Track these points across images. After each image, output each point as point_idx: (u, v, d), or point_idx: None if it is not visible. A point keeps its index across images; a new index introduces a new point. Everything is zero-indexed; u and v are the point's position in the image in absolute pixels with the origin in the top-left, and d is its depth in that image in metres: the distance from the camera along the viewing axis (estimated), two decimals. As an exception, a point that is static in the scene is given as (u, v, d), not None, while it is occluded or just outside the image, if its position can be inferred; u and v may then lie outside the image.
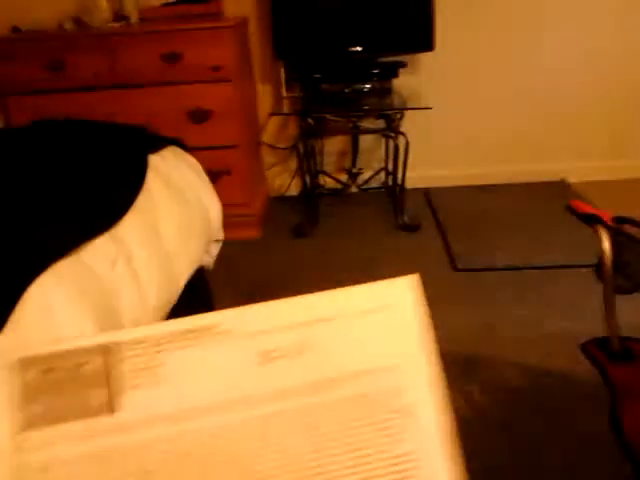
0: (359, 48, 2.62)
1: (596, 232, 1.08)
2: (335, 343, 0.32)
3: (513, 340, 1.84)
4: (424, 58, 2.86)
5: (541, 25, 2.86)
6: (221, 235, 1.88)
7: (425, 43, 2.62)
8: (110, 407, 0.31)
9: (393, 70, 2.69)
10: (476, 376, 1.68)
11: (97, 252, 1.10)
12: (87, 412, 0.31)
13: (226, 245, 2.01)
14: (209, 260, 1.83)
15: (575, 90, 2.95)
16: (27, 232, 1.03)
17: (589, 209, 1.07)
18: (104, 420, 0.31)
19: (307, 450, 0.30)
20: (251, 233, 2.64)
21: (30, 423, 0.31)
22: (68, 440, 0.30)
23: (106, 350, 0.32)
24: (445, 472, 0.31)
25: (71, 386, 0.31)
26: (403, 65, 2.69)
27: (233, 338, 0.32)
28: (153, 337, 0.32)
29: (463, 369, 1.71)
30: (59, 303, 0.91)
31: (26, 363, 0.31)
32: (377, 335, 0.33)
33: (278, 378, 0.31)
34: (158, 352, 0.32)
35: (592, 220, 1.09)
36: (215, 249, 1.88)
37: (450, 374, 1.42)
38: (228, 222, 1.90)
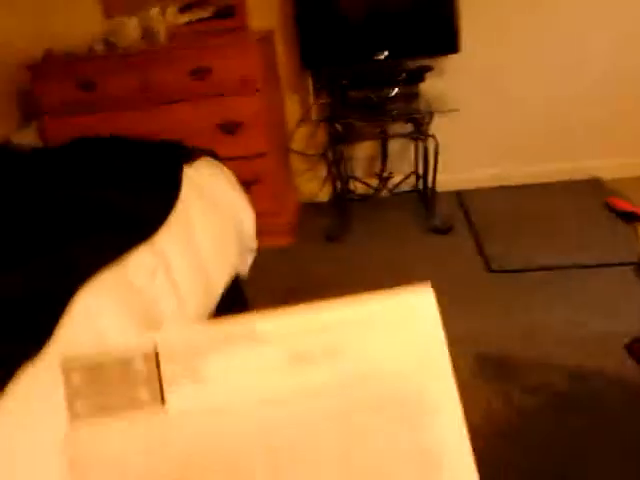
0: (385, 54, 2.63)
1: (635, 229, 1.06)
2: (363, 347, 0.35)
3: (553, 342, 1.81)
4: (450, 60, 2.85)
5: (568, 23, 2.83)
6: (255, 244, 1.90)
7: (450, 45, 2.62)
8: (158, 400, 0.33)
9: (419, 74, 2.69)
10: (516, 378, 1.66)
11: (137, 263, 1.13)
12: (136, 405, 0.33)
13: (259, 253, 2.03)
14: (244, 269, 1.86)
15: (606, 86, 2.90)
16: (71, 244, 1.06)
17: (628, 206, 1.05)
18: (153, 413, 0.33)
19: (338, 445, 0.33)
20: (284, 240, 2.66)
21: (80, 418, 0.33)
22: (118, 433, 0.32)
23: (149, 351, 0.34)
24: (466, 465, 0.34)
25: (118, 383, 0.33)
26: (429, 69, 2.69)
27: (268, 340, 0.34)
28: (194, 340, 0.34)
29: (502, 371, 1.69)
30: (103, 312, 0.94)
31: (72, 361, 0.33)
32: (401, 341, 0.35)
33: (311, 378, 0.34)
34: (199, 355, 0.34)
35: (631, 217, 1.07)
36: (249, 258, 1.90)
37: (489, 376, 1.41)
38: (260, 230, 1.92)
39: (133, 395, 0.33)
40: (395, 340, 0.35)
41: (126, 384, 0.33)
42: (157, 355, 0.34)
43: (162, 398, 0.33)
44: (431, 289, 0.37)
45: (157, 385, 0.33)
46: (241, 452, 0.33)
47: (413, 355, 0.35)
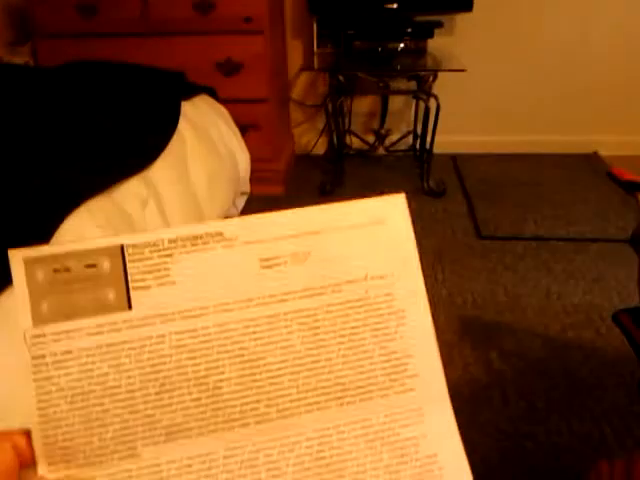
0: (395, 5, 2.55)
1: (637, 199, 1.05)
2: (333, 253, 0.35)
3: (536, 310, 1.82)
4: (460, 19, 2.78)
5: (584, -9, 2.77)
6: (248, 188, 1.87)
7: (464, 3, 2.55)
8: (125, 303, 0.33)
9: (429, 30, 2.62)
10: (497, 343, 1.68)
11: (129, 192, 1.10)
12: (103, 308, 0.33)
13: (249, 200, 2.00)
14: (235, 212, 1.83)
15: (612, 61, 2.86)
16: (63, 169, 1.03)
17: (632, 176, 1.04)
18: (120, 315, 0.33)
19: (308, 347, 0.34)
20: (275, 189, 2.63)
21: (44, 318, 0.32)
22: (83, 334, 0.32)
23: (116, 251, 0.33)
24: (432, 365, 0.35)
25: (84, 284, 0.33)
26: (439, 25, 2.62)
27: (237, 245, 0.34)
28: (161, 241, 0.34)
29: (484, 336, 1.71)
30: (92, 235, 0.91)
31: (35, 261, 0.32)
32: (371, 246, 0.36)
33: (280, 282, 0.34)
34: (167, 255, 0.33)
35: (634, 187, 1.06)
36: (241, 201, 1.87)
37: (471, 340, 1.43)
38: (253, 177, 1.89)
39: (99, 297, 0.33)
40: (365, 245, 0.36)
41: (92, 285, 0.33)
42: (124, 256, 0.33)
43: (129, 300, 0.33)
44: (404, 196, 0.37)
45: (123, 287, 0.33)
46: (209, 353, 0.33)
47: (383, 260, 0.36)
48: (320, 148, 3.07)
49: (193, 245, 0.34)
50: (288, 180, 2.77)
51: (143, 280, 0.33)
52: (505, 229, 2.30)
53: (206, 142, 1.51)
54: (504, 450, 1.32)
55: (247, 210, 1.94)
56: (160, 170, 1.23)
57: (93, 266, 0.33)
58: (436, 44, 2.71)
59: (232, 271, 0.34)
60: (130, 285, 0.33)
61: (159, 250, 0.33)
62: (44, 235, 0.84)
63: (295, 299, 0.34)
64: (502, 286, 1.95)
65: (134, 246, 0.33)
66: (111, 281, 0.33)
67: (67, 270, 0.32)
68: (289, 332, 0.34)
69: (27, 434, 0.31)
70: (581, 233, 2.25)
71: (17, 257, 0.32)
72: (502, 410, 1.44)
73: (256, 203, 2.32)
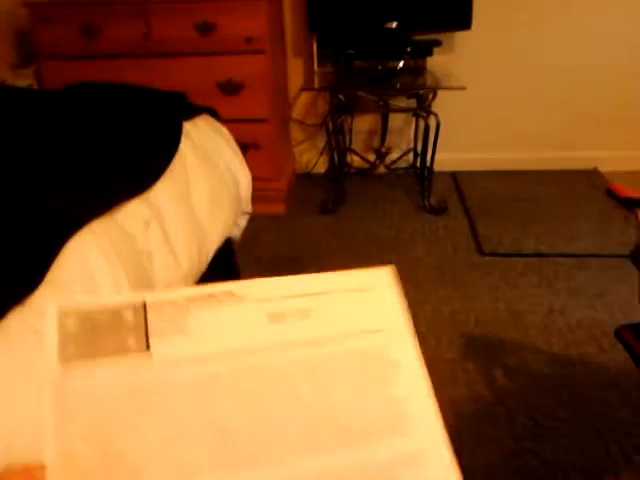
0: (394, 24, 2.58)
1: (636, 216, 1.06)
2: (332, 310, 0.39)
3: (539, 327, 1.82)
4: (459, 37, 2.81)
5: (581, 7, 2.79)
6: (249, 207, 1.87)
7: (463, 21, 2.57)
8: (144, 347, 0.36)
9: (428, 48, 2.65)
10: (501, 360, 1.67)
11: (131, 214, 1.11)
12: (124, 352, 0.35)
13: (252, 219, 2.01)
14: (237, 232, 1.83)
15: (612, 78, 2.89)
16: (65, 191, 1.03)
17: (631, 193, 1.05)
18: (139, 360, 0.35)
19: (311, 392, 0.36)
20: (277, 208, 2.63)
21: (69, 359, 0.35)
22: (106, 376, 0.34)
23: (139, 305, 0.37)
24: (428, 409, 0.37)
25: (108, 331, 0.36)
26: (438, 43, 2.65)
27: (247, 302, 0.38)
28: (180, 298, 0.38)
29: (487, 353, 1.70)
30: (95, 259, 0.91)
31: (67, 310, 0.36)
32: (364, 306, 0.40)
33: (286, 334, 0.38)
34: (184, 311, 0.37)
35: (633, 203, 1.07)
36: (243, 221, 1.88)
37: (474, 357, 1.42)
38: (254, 196, 1.89)
39: (121, 342, 0.36)
40: (359, 305, 0.40)
41: (115, 332, 0.36)
42: (145, 307, 0.37)
43: (147, 346, 0.36)
44: (390, 269, 0.42)
45: (143, 334, 0.36)
46: (221, 396, 0.35)
47: (375, 317, 0.40)
48: (321, 167, 3.09)
49: (207, 302, 0.38)
50: (289, 199, 2.77)
51: (161, 328, 0.36)
52: (506, 246, 2.30)
53: (207, 162, 1.52)
54: (509, 467, 1.31)
55: (249, 229, 1.94)
56: (162, 191, 1.24)
57: (118, 316, 0.36)
58: (435, 62, 2.73)
59: (242, 324, 0.38)
60: (149, 333, 0.36)
61: (177, 306, 0.37)
62: (47, 255, 0.85)
63: (300, 348, 0.38)
64: (504, 303, 1.95)
65: (155, 302, 0.37)
66: (133, 329, 0.36)
67: (94, 319, 0.36)
68: (294, 378, 0.36)
69: (44, 469, 0.31)
70: (582, 249, 2.25)
71: (52, 309, 0.35)
72: (506, 427, 1.43)
73: (258, 222, 2.33)
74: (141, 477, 0.32)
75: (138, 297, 0.37)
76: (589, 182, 2.84)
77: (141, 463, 0.33)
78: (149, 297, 0.37)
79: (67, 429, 0.32)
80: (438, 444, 0.36)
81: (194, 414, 0.34)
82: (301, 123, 3.06)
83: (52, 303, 0.36)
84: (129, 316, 0.36)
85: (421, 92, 2.63)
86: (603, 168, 2.96)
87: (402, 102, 2.78)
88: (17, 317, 0.75)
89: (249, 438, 0.34)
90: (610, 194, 1.10)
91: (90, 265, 0.90)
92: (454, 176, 2.99)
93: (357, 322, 0.39)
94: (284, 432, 0.35)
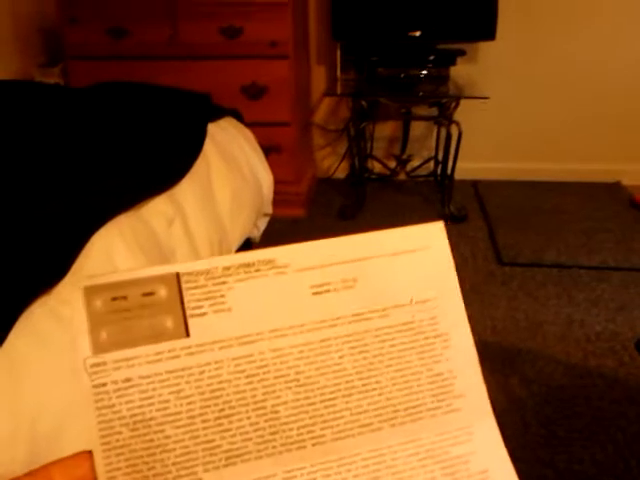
0: (418, 33, 2.59)
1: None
2: (379, 279, 0.36)
3: (557, 337, 1.80)
4: (482, 47, 2.81)
5: (606, 18, 2.78)
6: (270, 209, 1.89)
7: (487, 31, 2.57)
8: (183, 330, 0.33)
9: (451, 57, 2.65)
10: (517, 370, 1.66)
11: (155, 210, 1.12)
12: (161, 335, 0.33)
13: (271, 221, 2.02)
14: (256, 233, 1.85)
15: (636, 90, 2.86)
16: (92, 186, 1.05)
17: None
18: (178, 342, 0.33)
19: (359, 370, 0.35)
20: (297, 212, 2.65)
21: (103, 346, 0.32)
22: (143, 361, 0.33)
23: (172, 279, 0.34)
24: (476, 385, 0.36)
25: (142, 312, 0.33)
26: (462, 53, 2.65)
27: (289, 272, 0.35)
28: (216, 269, 0.34)
29: (504, 362, 1.69)
30: (119, 253, 0.93)
31: (94, 290, 0.33)
32: (415, 272, 0.37)
33: (330, 307, 0.35)
34: (221, 283, 0.34)
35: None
36: (263, 223, 1.89)
37: (491, 366, 1.42)
38: (275, 199, 1.90)
39: (157, 324, 0.33)
40: (409, 271, 0.37)
41: (150, 313, 0.33)
42: (179, 282, 0.34)
43: (186, 327, 0.33)
44: (442, 223, 0.38)
45: (181, 314, 0.33)
46: (266, 378, 0.34)
47: (426, 285, 0.37)
48: (341, 172, 3.10)
49: (246, 273, 0.35)
50: (309, 203, 2.79)
51: (199, 307, 0.34)
52: (526, 256, 2.28)
53: (230, 163, 1.53)
54: (522, 476, 1.30)
55: (268, 232, 1.96)
56: (186, 190, 1.25)
57: (150, 294, 0.33)
58: (459, 71, 2.73)
59: (285, 297, 0.35)
60: (187, 312, 0.34)
61: (213, 278, 0.34)
62: (72, 249, 0.86)
63: (345, 324, 0.35)
64: (523, 313, 1.94)
65: (189, 274, 0.34)
66: (168, 308, 0.33)
67: (125, 298, 0.33)
68: (340, 356, 0.35)
69: (89, 457, 0.31)
70: (604, 262, 2.23)
71: (77, 286, 0.33)
72: (522, 437, 1.42)
73: (277, 225, 2.34)
74: (187, 464, 0.32)
75: (170, 269, 0.34)
76: (612, 195, 2.81)
77: (187, 450, 0.32)
78: (182, 268, 0.34)
79: (110, 420, 0.32)
80: (487, 420, 0.36)
81: (239, 398, 0.33)
82: (323, 128, 3.08)
83: (76, 283, 0.33)
84: (162, 293, 0.34)
85: (443, 101, 2.63)
86: (626, 181, 2.93)
87: (424, 110, 2.79)
88: (42, 306, 0.76)
89: (297, 421, 0.34)
90: (635, 205, 1.09)
91: (114, 258, 0.91)
92: (475, 185, 2.98)
93: (406, 290, 0.36)
94: (332, 413, 0.34)
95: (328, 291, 0.35)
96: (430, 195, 2.87)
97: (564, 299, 2.01)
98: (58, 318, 0.75)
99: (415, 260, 0.37)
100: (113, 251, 0.92)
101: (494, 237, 2.44)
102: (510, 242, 2.38)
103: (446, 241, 0.38)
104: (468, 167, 2.93)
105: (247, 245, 1.75)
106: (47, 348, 0.72)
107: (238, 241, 1.47)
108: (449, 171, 2.66)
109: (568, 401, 1.53)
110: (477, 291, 2.06)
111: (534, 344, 1.78)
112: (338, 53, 2.83)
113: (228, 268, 0.34)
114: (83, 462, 0.31)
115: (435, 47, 2.68)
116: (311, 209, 2.75)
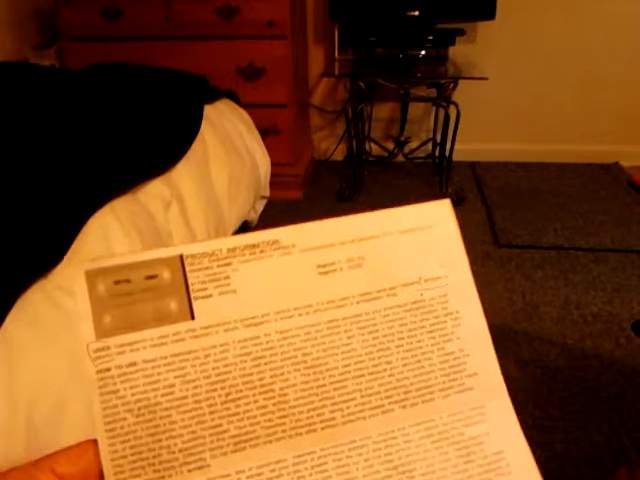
0: (416, 12, 2.56)
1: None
2: (387, 257, 0.36)
3: (554, 319, 1.81)
4: (482, 27, 2.78)
5: (604, 4, 2.75)
6: (267, 192, 1.88)
7: (487, 11, 2.54)
8: (188, 313, 0.33)
9: (450, 37, 2.62)
10: (514, 351, 1.67)
11: (152, 193, 1.12)
12: (166, 318, 0.32)
13: (269, 203, 2.01)
14: (254, 216, 1.84)
15: (635, 72, 2.84)
16: (88, 168, 1.04)
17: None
18: (183, 325, 0.33)
19: (369, 351, 0.34)
20: (294, 194, 2.64)
21: (107, 331, 0.32)
22: (147, 345, 0.32)
23: (176, 261, 0.33)
24: (489, 363, 0.35)
25: (145, 295, 0.32)
26: (461, 33, 2.62)
27: (294, 252, 0.34)
28: (220, 250, 0.34)
29: (501, 344, 1.70)
30: (116, 236, 0.93)
31: (96, 274, 0.32)
32: (423, 250, 0.36)
33: (337, 287, 0.34)
34: (226, 264, 0.33)
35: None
36: (260, 205, 1.89)
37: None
38: (272, 181, 1.90)
39: (161, 307, 0.32)
40: (417, 249, 0.36)
41: (154, 296, 0.33)
42: (183, 264, 0.33)
43: (191, 310, 0.33)
44: (449, 201, 0.38)
45: (185, 297, 0.33)
46: (273, 360, 0.33)
47: (435, 262, 0.36)
48: (339, 154, 3.09)
49: (251, 254, 0.34)
50: (307, 185, 2.78)
51: (204, 289, 0.33)
52: (524, 238, 2.29)
53: (227, 145, 1.53)
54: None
55: (265, 214, 1.95)
56: (182, 172, 1.25)
57: (154, 277, 0.33)
58: (458, 51, 2.71)
59: (290, 278, 0.34)
60: (191, 295, 0.33)
61: (218, 259, 0.34)
62: (69, 232, 0.86)
63: (353, 304, 0.35)
64: (520, 294, 1.94)
65: (193, 256, 0.33)
66: (172, 291, 0.33)
67: (128, 281, 0.32)
68: (349, 337, 0.34)
69: (94, 445, 0.31)
70: (601, 243, 2.23)
71: (79, 270, 0.32)
72: (518, 418, 1.43)
73: (275, 207, 2.33)
74: (195, 450, 0.32)
75: (174, 251, 0.33)
76: (610, 176, 2.81)
77: (194, 436, 0.32)
78: (185, 250, 0.33)
79: (115, 406, 0.31)
80: (501, 399, 0.35)
81: (246, 382, 0.32)
82: (320, 110, 3.06)
83: (78, 266, 0.32)
84: (166, 275, 0.33)
85: (442, 81, 2.61)
86: (624, 162, 2.92)
87: (422, 91, 2.77)
88: (39, 290, 0.76)
89: (306, 404, 0.33)
90: (632, 185, 1.09)
91: (111, 241, 0.91)
92: (473, 166, 2.98)
93: (414, 268, 0.36)
94: (341, 395, 0.33)
95: (335, 271, 0.35)
96: (428, 177, 2.86)
97: (561, 281, 2.02)
98: (55, 302, 0.75)
99: (423, 238, 0.36)
100: (110, 234, 0.92)
101: (492, 219, 2.44)
102: (508, 224, 2.38)
103: (454, 219, 0.37)
104: (466, 148, 2.92)
105: (244, 228, 1.75)
106: (44, 333, 0.72)
107: (235, 224, 1.47)
108: (447, 153, 2.65)
109: (564, 382, 1.55)
110: (474, 272, 2.04)
111: (530, 325, 1.79)
112: (336, 33, 2.80)
113: (232, 249, 0.34)
114: (87, 450, 0.30)
115: (434, 27, 2.65)
116: (309, 191, 2.74)
